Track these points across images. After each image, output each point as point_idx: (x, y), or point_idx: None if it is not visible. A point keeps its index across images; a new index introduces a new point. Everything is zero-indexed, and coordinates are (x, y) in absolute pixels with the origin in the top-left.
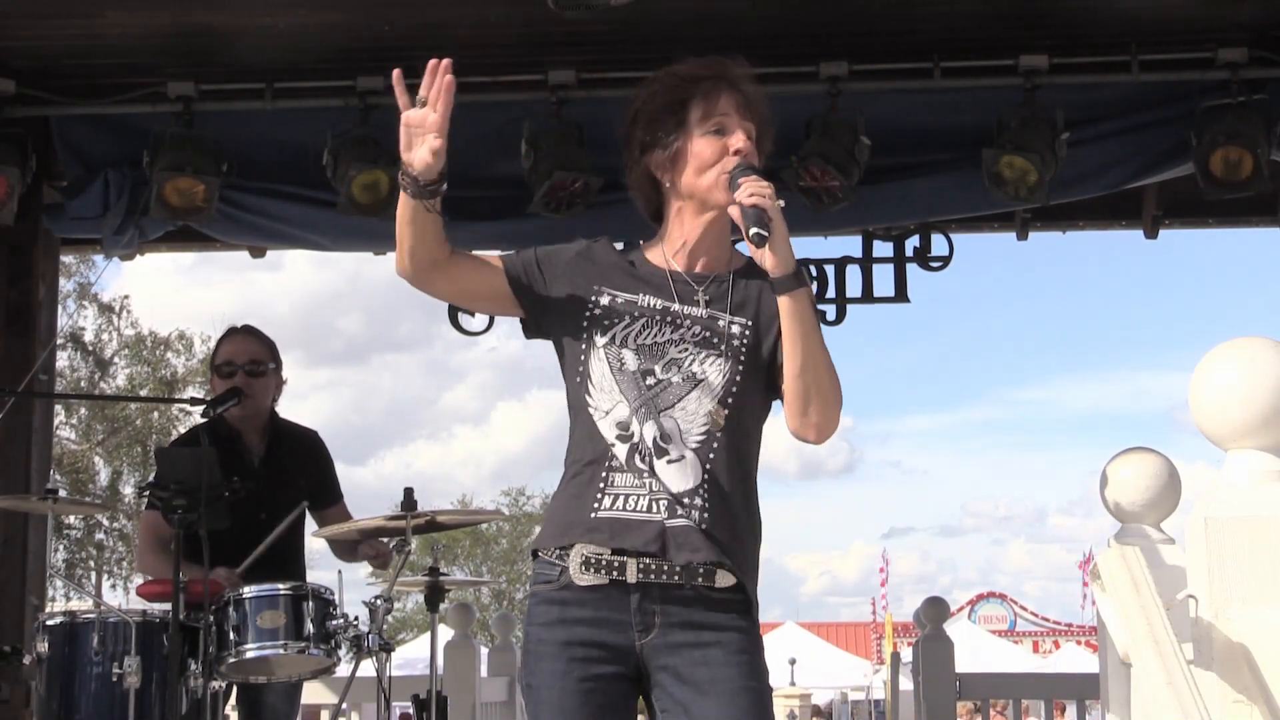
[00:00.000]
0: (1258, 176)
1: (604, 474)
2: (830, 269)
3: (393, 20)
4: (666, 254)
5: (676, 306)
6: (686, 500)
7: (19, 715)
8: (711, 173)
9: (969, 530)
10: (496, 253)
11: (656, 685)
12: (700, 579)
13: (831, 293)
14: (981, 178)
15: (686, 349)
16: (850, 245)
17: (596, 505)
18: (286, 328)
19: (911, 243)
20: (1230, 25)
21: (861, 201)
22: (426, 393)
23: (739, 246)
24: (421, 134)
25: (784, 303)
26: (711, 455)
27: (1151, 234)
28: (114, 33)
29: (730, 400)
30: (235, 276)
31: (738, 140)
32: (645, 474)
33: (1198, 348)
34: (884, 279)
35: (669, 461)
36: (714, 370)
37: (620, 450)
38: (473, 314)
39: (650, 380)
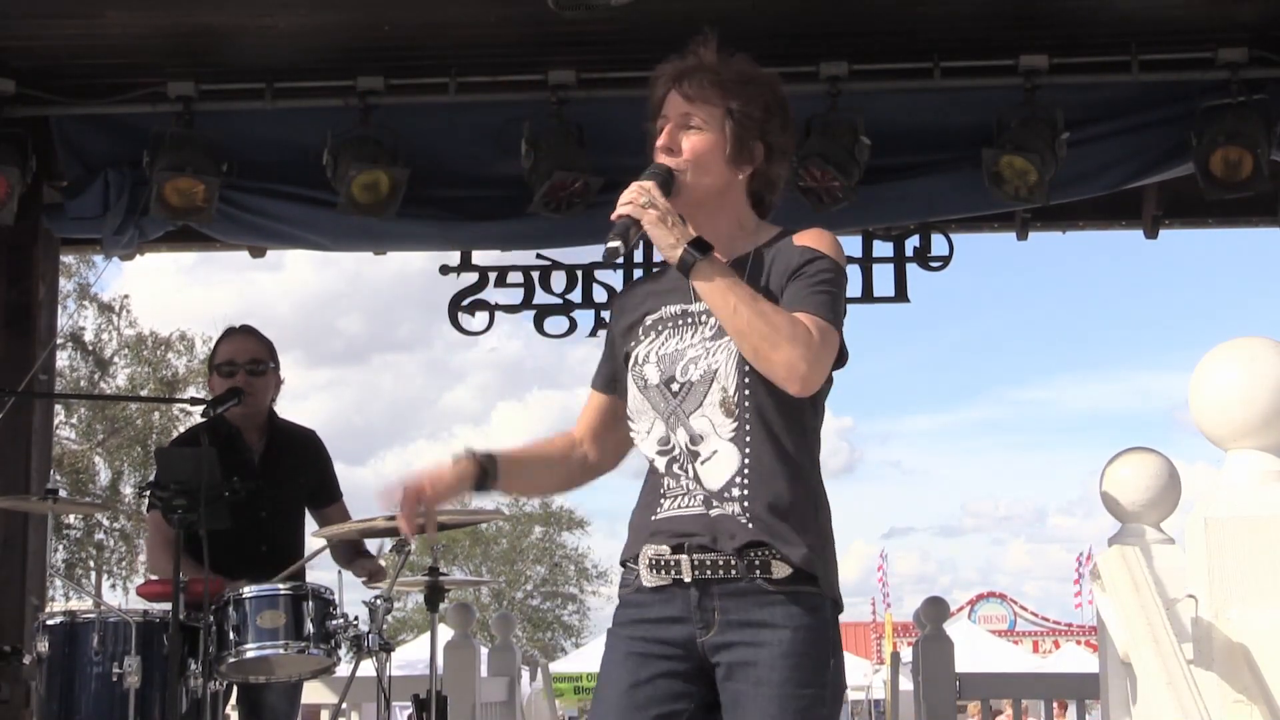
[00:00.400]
0: (1258, 176)
1: (664, 481)
2: None
3: (393, 20)
4: None
5: (694, 306)
6: (725, 494)
7: (19, 715)
8: None
9: (969, 530)
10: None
11: (717, 681)
12: (758, 571)
13: None
14: (981, 178)
15: (702, 346)
16: (850, 245)
17: (659, 509)
18: (287, 328)
19: (911, 243)
20: (1230, 25)
21: (861, 201)
22: (427, 393)
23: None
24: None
25: (695, 287)
26: (748, 439)
27: (1151, 234)
28: (114, 33)
29: (747, 380)
30: (236, 277)
31: (660, 140)
32: (686, 479)
33: (1198, 348)
34: (884, 279)
35: (703, 461)
36: (724, 355)
37: (661, 464)
38: (473, 314)
39: (675, 387)
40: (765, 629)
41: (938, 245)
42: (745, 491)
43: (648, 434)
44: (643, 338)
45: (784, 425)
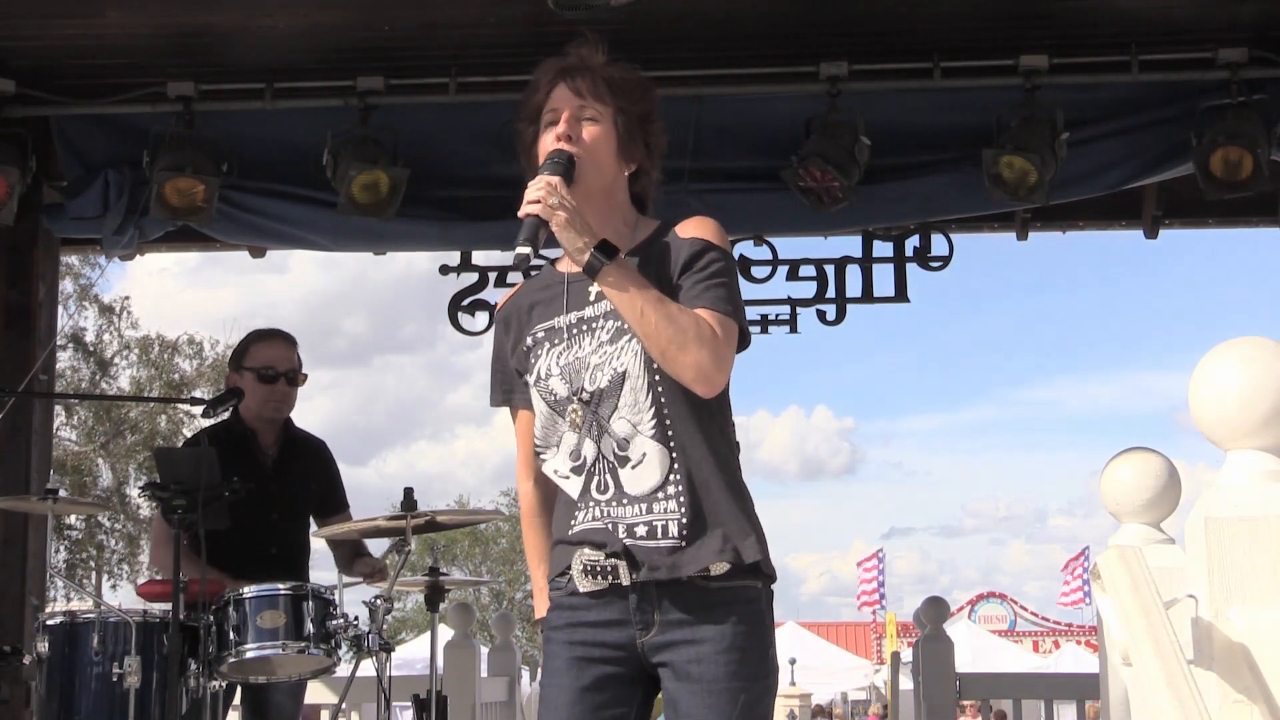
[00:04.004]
0: (1258, 176)
1: (578, 493)
2: (830, 269)
3: (393, 20)
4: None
5: (589, 311)
6: (660, 493)
7: (19, 715)
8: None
9: (969, 530)
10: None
11: (661, 681)
12: (697, 570)
13: (831, 293)
14: (981, 178)
15: (603, 351)
16: (850, 245)
17: (578, 521)
18: (291, 329)
19: (911, 243)
20: (1230, 25)
21: (861, 201)
22: (430, 393)
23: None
24: None
25: (602, 289)
26: (670, 433)
27: (1151, 234)
28: (114, 33)
29: (657, 378)
30: (239, 278)
31: (560, 128)
32: (608, 486)
33: (1198, 348)
34: (884, 279)
35: (634, 466)
36: (629, 356)
37: (571, 486)
38: (473, 314)
39: (585, 396)
40: (705, 626)
41: (938, 245)
42: (680, 489)
43: (557, 449)
44: (539, 351)
45: (699, 413)
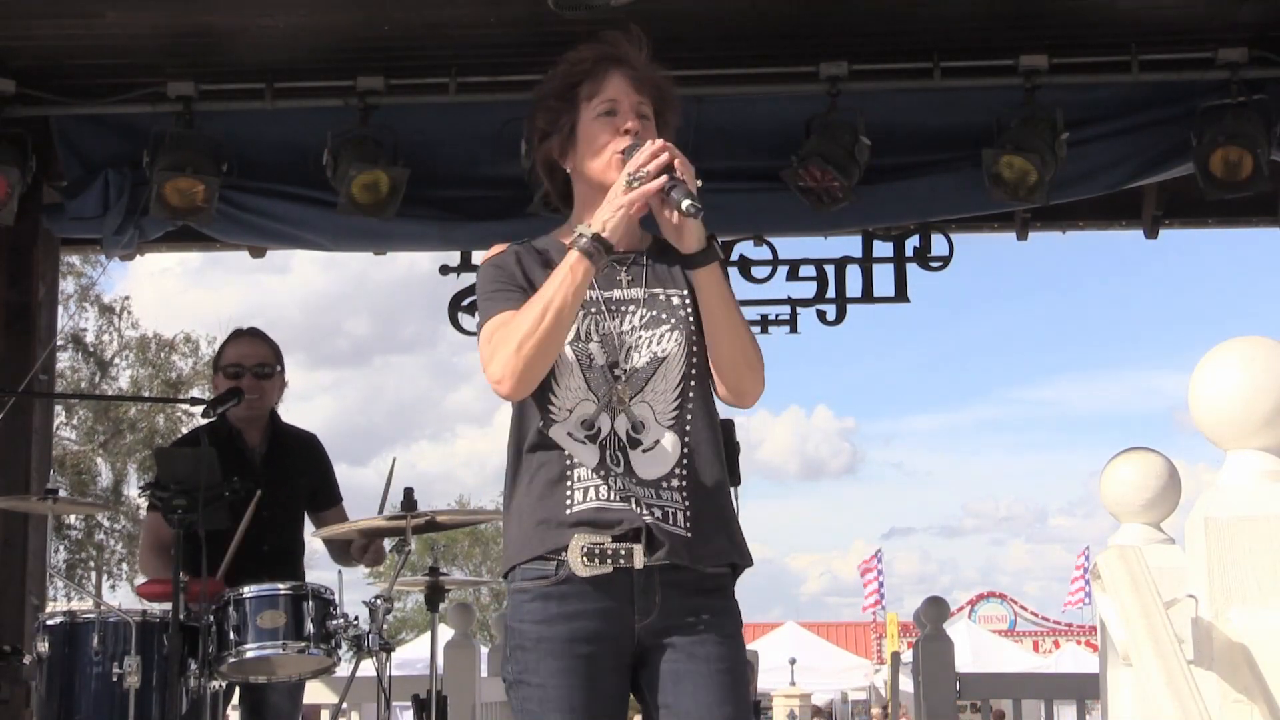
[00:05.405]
0: (1258, 176)
1: (579, 466)
2: (830, 269)
3: (393, 20)
4: None
5: (617, 294)
6: (665, 484)
7: (19, 715)
8: (605, 154)
9: (969, 530)
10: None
11: (650, 661)
12: (707, 564)
13: (831, 293)
14: (981, 178)
15: (636, 334)
16: (850, 245)
17: (575, 498)
18: (293, 329)
19: (911, 243)
20: (1230, 25)
21: (861, 201)
22: (431, 394)
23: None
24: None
25: (703, 277)
26: (688, 427)
27: (1151, 234)
28: (114, 33)
29: (694, 370)
30: (241, 279)
31: (627, 120)
32: (616, 465)
33: (1198, 348)
34: (884, 279)
35: (644, 451)
36: (673, 344)
37: (586, 453)
38: (473, 314)
39: (617, 372)
40: (703, 612)
41: (938, 245)
42: (684, 481)
43: (570, 414)
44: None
45: (711, 411)
